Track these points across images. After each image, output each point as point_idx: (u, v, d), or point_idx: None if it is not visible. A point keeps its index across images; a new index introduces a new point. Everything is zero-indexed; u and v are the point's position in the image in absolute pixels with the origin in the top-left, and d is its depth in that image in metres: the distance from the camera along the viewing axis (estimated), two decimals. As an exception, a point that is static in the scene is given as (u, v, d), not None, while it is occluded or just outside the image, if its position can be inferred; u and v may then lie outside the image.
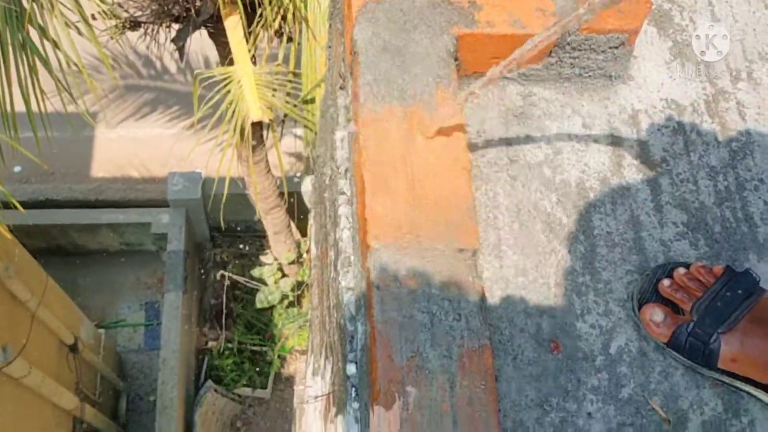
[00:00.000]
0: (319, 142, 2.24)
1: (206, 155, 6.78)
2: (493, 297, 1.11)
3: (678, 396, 1.09)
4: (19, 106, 4.08)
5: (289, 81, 4.10)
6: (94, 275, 8.11)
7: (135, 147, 8.97)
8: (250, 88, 3.76)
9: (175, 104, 9.09)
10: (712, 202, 1.22)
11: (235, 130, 4.00)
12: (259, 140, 5.24)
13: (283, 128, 5.57)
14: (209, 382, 7.01)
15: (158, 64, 9.24)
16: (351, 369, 1.22)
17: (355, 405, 1.16)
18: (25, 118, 4.08)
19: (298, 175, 7.71)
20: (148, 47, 4.88)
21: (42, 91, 4.19)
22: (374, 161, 1.03)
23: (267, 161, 6.03)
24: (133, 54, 9.10)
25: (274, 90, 3.92)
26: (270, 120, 3.96)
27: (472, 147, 1.21)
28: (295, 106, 4.03)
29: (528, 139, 1.24)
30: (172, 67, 9.28)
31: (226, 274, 6.91)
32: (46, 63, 4.14)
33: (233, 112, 3.94)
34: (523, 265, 1.14)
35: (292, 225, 7.16)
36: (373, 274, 0.96)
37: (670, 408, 1.07)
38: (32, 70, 4.20)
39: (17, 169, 8.66)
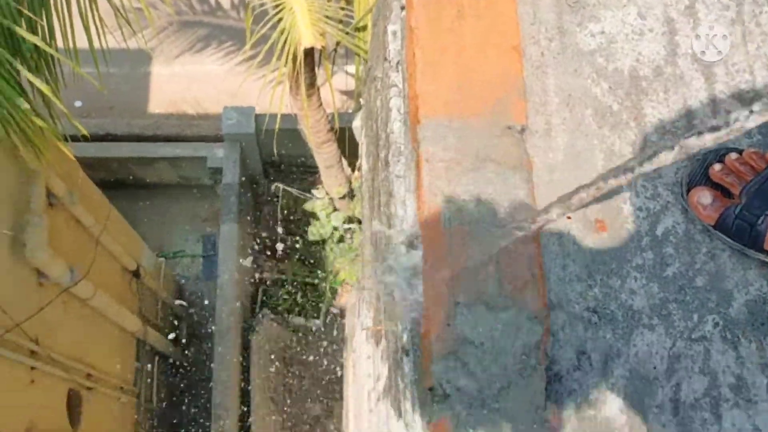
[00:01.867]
0: (370, 59, 2.25)
1: (259, 91, 6.88)
2: (541, 179, 1.13)
3: (724, 277, 1.10)
4: (80, 42, 4.10)
5: (342, 8, 4.08)
6: (152, 208, 8.39)
7: (189, 83, 9.11)
8: (302, 15, 3.77)
9: (228, 40, 9.15)
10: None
11: (287, 58, 4.03)
12: (311, 72, 5.26)
13: (335, 61, 5.57)
14: (265, 310, 7.26)
15: (212, 0, 9.29)
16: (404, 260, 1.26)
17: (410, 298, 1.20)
18: (84, 53, 4.10)
19: (350, 111, 7.72)
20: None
21: (102, 22, 4.21)
22: (425, 41, 1.05)
23: (319, 95, 6.06)
24: (187, -11, 9.16)
25: (327, 17, 3.92)
26: (322, 47, 3.98)
27: (525, 34, 1.21)
28: (347, 33, 4.02)
29: (581, 27, 1.23)
30: (226, 3, 9.30)
31: (281, 186, 7.02)
32: None
33: (285, 40, 3.96)
34: (571, 149, 1.16)
35: (344, 160, 7.22)
36: (422, 148, 0.99)
37: (715, 288, 1.09)
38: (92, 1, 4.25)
39: (78, 103, 8.92)
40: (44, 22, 3.64)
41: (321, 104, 6.09)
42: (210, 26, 9.24)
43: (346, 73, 8.92)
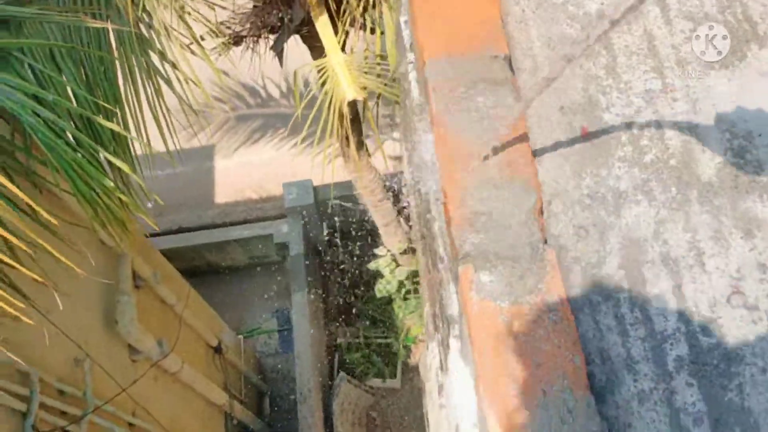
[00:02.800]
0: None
1: (316, 168, 7.31)
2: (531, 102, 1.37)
3: (693, 155, 1.30)
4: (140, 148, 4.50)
5: (378, 64, 4.48)
6: (227, 290, 8.82)
7: (251, 171, 9.72)
8: (343, 73, 4.17)
9: (281, 127, 9.79)
10: (716, 11, 1.43)
11: (334, 116, 4.41)
12: (359, 133, 5.65)
13: (382, 131, 5.97)
14: (342, 374, 7.44)
15: (263, 93, 10.00)
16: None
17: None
18: (146, 159, 4.44)
19: (401, 171, 8.07)
20: (251, 63, 5.40)
21: (170, 119, 4.60)
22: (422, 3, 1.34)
23: (368, 156, 6.45)
24: (240, 87, 9.90)
25: (366, 72, 4.31)
26: (364, 99, 4.36)
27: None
28: (385, 84, 4.40)
29: (554, -16, 1.50)
30: (275, 93, 10.00)
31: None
32: (169, 84, 4.63)
33: (331, 99, 4.36)
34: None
35: (401, 219, 7.53)
36: (429, 79, 1.26)
37: (687, 165, 1.29)
38: (158, 94, 4.69)
39: (150, 205, 9.58)
40: (117, 112, 4.11)
41: (371, 164, 6.47)
42: (264, 116, 9.92)
43: (393, 139, 9.38)
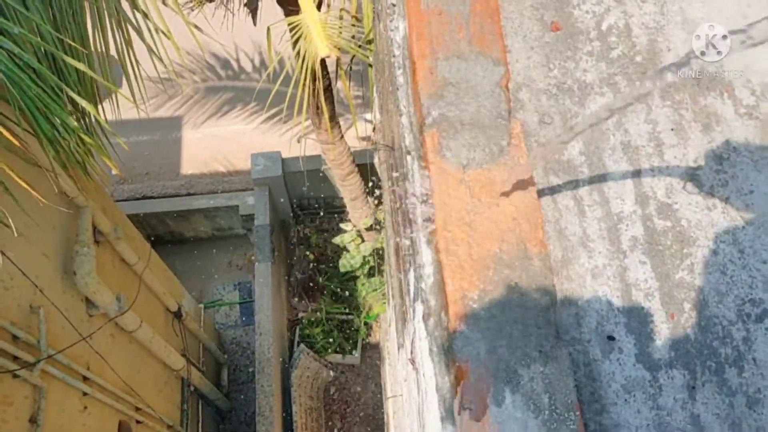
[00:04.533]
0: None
1: (285, 144, 7.25)
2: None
3: (658, 51, 1.33)
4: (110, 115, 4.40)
5: (353, 25, 4.47)
6: (190, 260, 8.73)
7: (219, 144, 9.63)
8: (316, 30, 4.15)
9: (252, 101, 9.71)
10: None
11: (306, 75, 4.38)
12: (331, 101, 5.64)
13: (353, 111, 5.97)
14: (302, 346, 7.43)
15: (235, 66, 9.90)
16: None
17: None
18: (115, 125, 4.35)
19: (370, 148, 8.08)
20: (222, 22, 5.34)
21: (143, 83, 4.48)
22: None
23: (340, 128, 6.44)
24: (212, 57, 9.80)
25: (340, 33, 4.29)
26: (338, 58, 4.34)
27: None
28: (359, 46, 4.39)
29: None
30: (248, 66, 9.91)
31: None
32: (140, 33, 4.53)
33: (303, 55, 4.33)
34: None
35: (368, 197, 7.54)
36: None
37: (652, 61, 1.32)
38: (128, 44, 4.61)
39: (113, 172, 9.43)
40: (85, 52, 4.03)
41: (342, 137, 6.45)
42: (234, 89, 9.83)
43: (365, 120, 9.38)
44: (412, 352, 1.75)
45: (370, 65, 4.89)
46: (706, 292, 1.29)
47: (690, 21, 1.36)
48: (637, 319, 1.26)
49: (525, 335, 1.16)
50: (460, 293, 1.19)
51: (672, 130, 1.31)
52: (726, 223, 1.31)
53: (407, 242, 1.55)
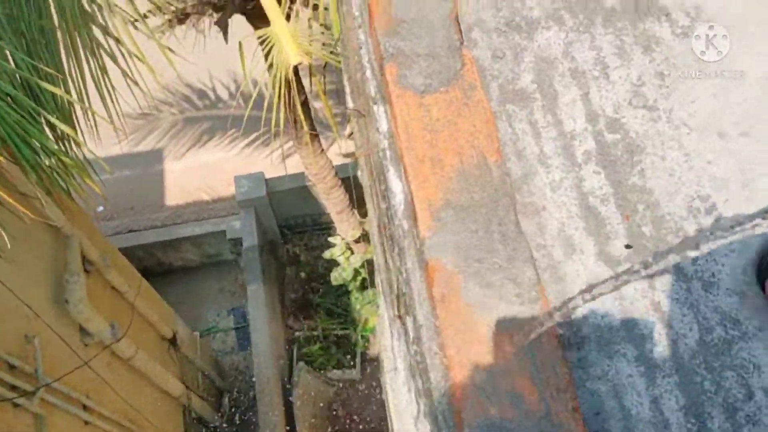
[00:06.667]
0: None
1: (269, 167, 7.30)
2: None
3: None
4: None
5: (322, 33, 4.58)
6: (181, 289, 8.73)
7: (202, 173, 9.68)
8: (286, 39, 4.25)
9: (231, 128, 9.80)
10: None
11: (281, 85, 4.47)
12: (309, 116, 5.73)
13: (332, 130, 6.06)
14: (301, 364, 7.42)
15: (212, 95, 10.01)
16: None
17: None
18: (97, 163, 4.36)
19: (351, 161, 8.16)
20: (194, 43, 5.44)
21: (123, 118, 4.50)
22: None
23: (320, 142, 6.53)
24: (188, 89, 9.90)
25: (310, 42, 4.40)
26: (310, 65, 4.43)
27: None
28: (331, 52, 4.49)
29: None
30: (224, 95, 10.02)
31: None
32: (113, 59, 4.59)
33: (277, 66, 4.43)
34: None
35: (355, 212, 7.60)
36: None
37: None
38: (102, 70, 4.68)
39: (100, 208, 9.48)
40: (60, 81, 4.09)
41: (323, 151, 6.54)
42: (213, 118, 9.92)
43: (347, 137, 9.48)
44: (398, 308, 1.82)
45: (340, 69, 4.99)
46: (657, 194, 1.37)
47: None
48: (595, 222, 1.35)
49: (488, 232, 1.24)
50: (426, 203, 1.26)
51: (615, 54, 1.39)
52: (671, 131, 1.40)
53: (384, 206, 1.62)
